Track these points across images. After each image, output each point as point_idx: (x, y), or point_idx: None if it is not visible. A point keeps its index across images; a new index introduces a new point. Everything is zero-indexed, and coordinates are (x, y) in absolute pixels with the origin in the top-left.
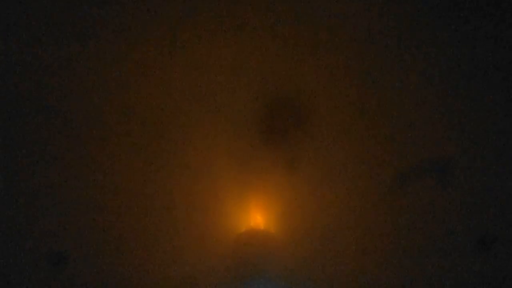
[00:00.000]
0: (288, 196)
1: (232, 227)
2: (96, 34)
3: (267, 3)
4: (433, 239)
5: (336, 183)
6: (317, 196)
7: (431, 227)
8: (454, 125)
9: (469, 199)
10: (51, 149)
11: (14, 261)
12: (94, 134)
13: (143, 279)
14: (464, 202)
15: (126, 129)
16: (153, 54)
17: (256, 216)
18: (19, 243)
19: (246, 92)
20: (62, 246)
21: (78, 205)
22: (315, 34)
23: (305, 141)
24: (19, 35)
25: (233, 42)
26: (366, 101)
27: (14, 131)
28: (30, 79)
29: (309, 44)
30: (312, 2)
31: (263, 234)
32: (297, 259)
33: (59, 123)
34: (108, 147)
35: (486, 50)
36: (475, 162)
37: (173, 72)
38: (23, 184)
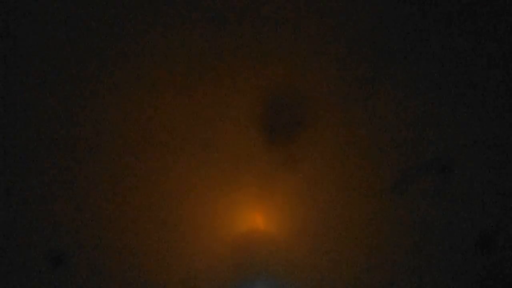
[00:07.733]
0: (288, 196)
1: (232, 227)
2: None
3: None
4: (433, 239)
5: (337, 183)
6: (317, 197)
7: (431, 227)
8: (454, 125)
9: (469, 199)
10: (51, 148)
11: (14, 261)
12: (93, 134)
13: (143, 279)
14: (464, 202)
15: (126, 128)
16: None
17: (256, 216)
18: (19, 243)
19: (247, 91)
20: (62, 246)
21: (79, 204)
22: (317, 33)
23: (306, 141)
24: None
25: (233, 42)
26: (367, 101)
27: (13, 130)
28: None
29: (311, 44)
30: (314, 2)
31: (263, 234)
32: (297, 259)
33: (59, 124)
34: (108, 145)
35: (486, 50)
36: (475, 162)
37: (172, 73)
38: (23, 184)
